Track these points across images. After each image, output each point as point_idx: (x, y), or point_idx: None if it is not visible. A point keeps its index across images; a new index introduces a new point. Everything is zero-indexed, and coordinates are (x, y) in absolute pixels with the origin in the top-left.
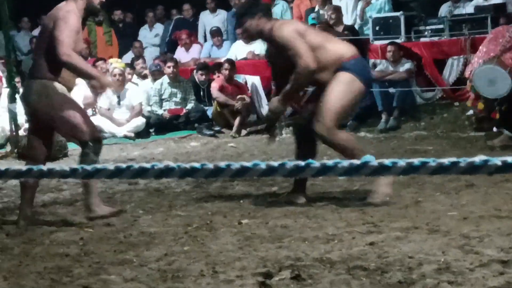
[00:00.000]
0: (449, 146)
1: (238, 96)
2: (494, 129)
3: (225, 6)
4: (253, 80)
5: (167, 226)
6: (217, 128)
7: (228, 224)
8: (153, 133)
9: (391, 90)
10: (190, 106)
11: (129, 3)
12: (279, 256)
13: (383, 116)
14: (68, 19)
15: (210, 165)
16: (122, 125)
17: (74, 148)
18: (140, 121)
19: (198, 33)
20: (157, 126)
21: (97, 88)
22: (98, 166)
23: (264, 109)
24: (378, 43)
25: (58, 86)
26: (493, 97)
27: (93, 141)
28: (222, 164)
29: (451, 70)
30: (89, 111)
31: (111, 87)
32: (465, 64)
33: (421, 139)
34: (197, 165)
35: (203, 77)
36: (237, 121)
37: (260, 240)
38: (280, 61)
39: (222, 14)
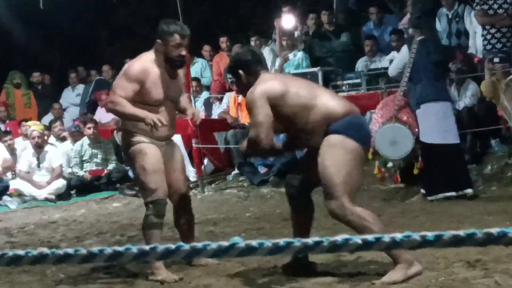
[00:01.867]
0: (369, 199)
1: None
2: None
3: None
4: (175, 139)
5: None
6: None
7: (150, 285)
8: (75, 195)
9: None
10: (111, 166)
11: (48, 65)
12: None
13: None
14: (128, 68)
15: (83, 251)
16: (43, 187)
17: None
18: (60, 183)
19: None
20: (78, 187)
21: (156, 127)
22: None
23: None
24: None
25: (135, 139)
26: (397, 157)
27: (153, 203)
28: (95, 249)
29: (369, 123)
30: (9, 174)
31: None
32: None
33: None
34: (71, 251)
35: None
36: None
37: None
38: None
39: None
